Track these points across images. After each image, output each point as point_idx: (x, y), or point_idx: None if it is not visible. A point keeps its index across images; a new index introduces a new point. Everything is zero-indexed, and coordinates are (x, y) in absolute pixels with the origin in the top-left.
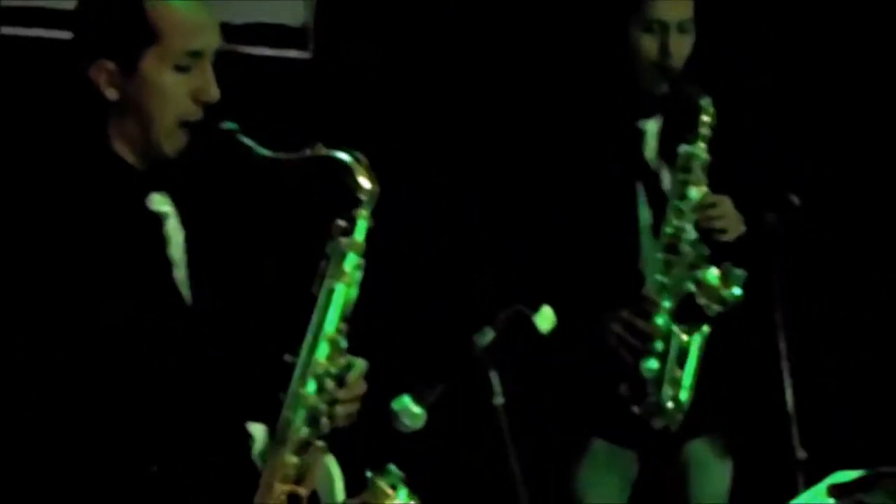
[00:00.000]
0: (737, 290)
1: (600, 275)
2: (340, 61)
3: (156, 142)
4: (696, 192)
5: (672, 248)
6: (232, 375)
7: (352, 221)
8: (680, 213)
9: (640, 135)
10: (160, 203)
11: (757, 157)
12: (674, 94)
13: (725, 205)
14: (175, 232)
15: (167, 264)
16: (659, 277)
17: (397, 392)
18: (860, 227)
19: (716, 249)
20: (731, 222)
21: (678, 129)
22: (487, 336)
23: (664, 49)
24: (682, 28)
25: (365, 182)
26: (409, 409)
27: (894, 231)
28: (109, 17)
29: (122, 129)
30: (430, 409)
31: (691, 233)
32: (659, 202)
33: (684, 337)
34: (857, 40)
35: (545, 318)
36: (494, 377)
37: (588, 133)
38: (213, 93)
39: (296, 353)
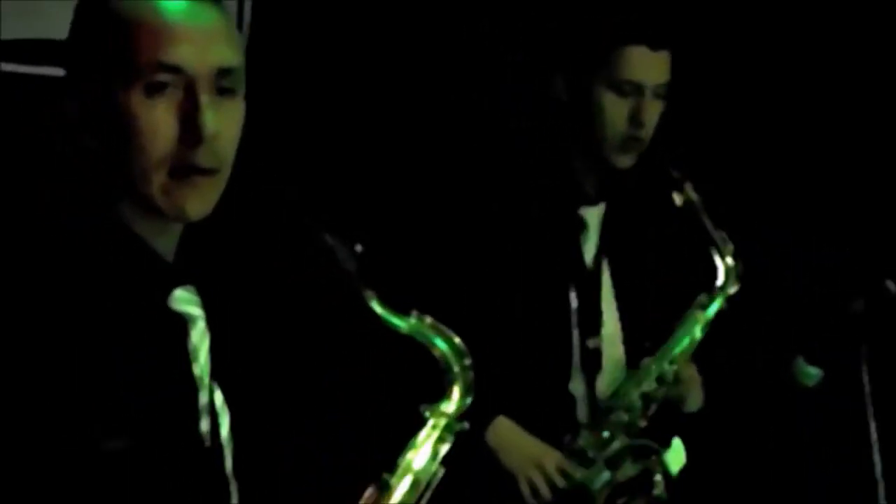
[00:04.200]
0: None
1: (529, 394)
2: None
3: (148, 200)
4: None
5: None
6: None
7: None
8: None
9: (580, 226)
10: (186, 302)
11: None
12: (632, 172)
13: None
14: (202, 342)
15: (192, 387)
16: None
17: None
18: None
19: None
20: (690, 401)
21: (627, 219)
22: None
23: (637, 117)
24: (657, 93)
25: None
26: None
27: None
28: (77, 36)
29: (116, 190)
30: None
31: (636, 401)
32: (593, 316)
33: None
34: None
35: (676, 457)
36: None
37: (518, 223)
38: (203, 127)
39: None
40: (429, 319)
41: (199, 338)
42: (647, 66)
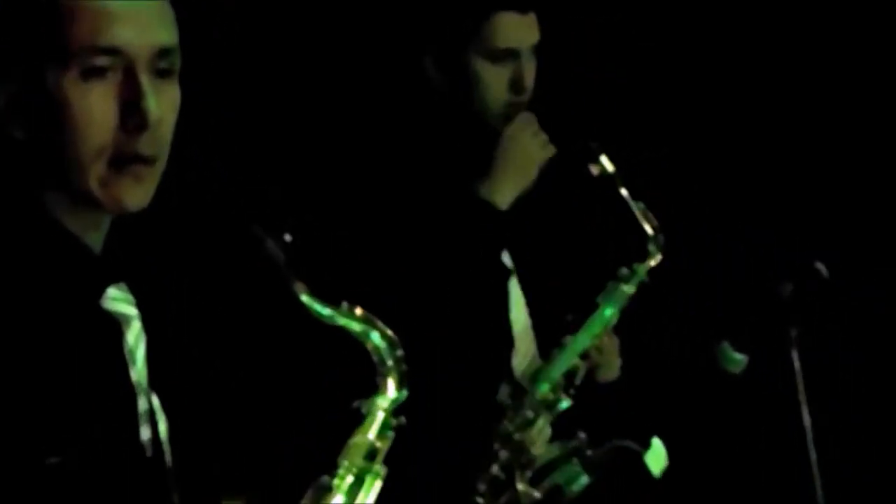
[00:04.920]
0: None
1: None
2: None
3: (85, 193)
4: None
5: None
6: None
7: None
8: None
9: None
10: (120, 301)
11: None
12: None
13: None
14: (138, 344)
15: (130, 394)
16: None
17: None
18: None
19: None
20: (609, 369)
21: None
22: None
23: (517, 83)
24: (532, 53)
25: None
26: None
27: None
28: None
29: (45, 182)
30: None
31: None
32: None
33: None
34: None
35: (657, 458)
36: None
37: (414, 209)
38: (148, 112)
39: None
40: (360, 311)
41: (135, 340)
42: (520, 30)
